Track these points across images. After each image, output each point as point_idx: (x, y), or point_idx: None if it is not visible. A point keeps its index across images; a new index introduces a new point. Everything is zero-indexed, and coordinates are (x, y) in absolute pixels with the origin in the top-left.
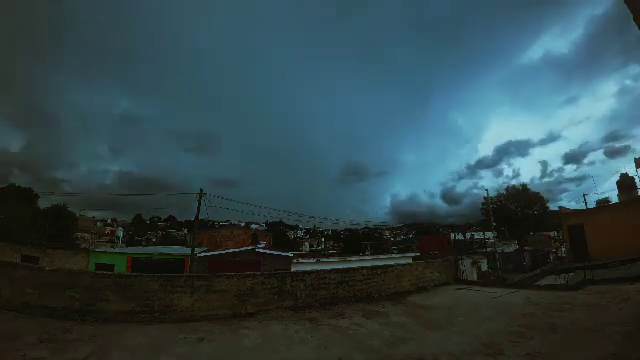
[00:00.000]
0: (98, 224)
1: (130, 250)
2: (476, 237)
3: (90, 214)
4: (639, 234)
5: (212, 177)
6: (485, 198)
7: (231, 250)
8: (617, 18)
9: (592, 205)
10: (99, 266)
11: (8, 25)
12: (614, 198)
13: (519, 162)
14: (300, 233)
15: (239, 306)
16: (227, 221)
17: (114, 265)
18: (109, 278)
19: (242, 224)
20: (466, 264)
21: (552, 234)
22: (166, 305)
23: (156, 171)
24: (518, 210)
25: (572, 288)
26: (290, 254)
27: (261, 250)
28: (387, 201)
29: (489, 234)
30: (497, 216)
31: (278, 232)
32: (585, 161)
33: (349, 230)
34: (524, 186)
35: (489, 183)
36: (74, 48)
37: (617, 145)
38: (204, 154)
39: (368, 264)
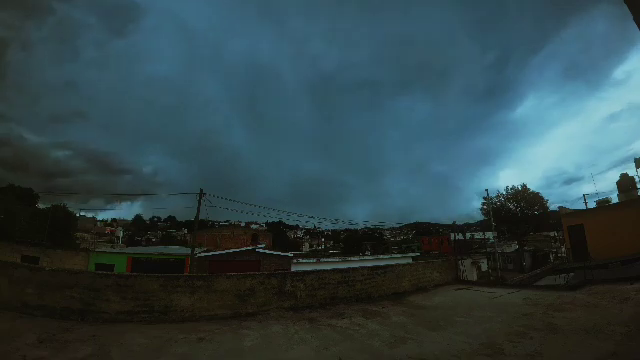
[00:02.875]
0: (98, 224)
1: (130, 250)
2: (476, 237)
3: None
4: (639, 234)
5: None
6: (485, 198)
7: (231, 250)
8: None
9: (592, 205)
10: (99, 266)
11: None
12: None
13: None
14: (300, 233)
15: (239, 306)
16: (227, 221)
17: (114, 265)
18: (109, 278)
19: (242, 224)
20: (466, 264)
21: (552, 234)
22: (166, 305)
23: None
24: (518, 210)
25: (572, 288)
26: (290, 254)
27: (261, 250)
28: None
29: (489, 234)
30: (497, 216)
31: (278, 232)
32: None
33: (349, 230)
34: (524, 186)
35: None
36: None
37: None
38: None
39: (368, 264)
